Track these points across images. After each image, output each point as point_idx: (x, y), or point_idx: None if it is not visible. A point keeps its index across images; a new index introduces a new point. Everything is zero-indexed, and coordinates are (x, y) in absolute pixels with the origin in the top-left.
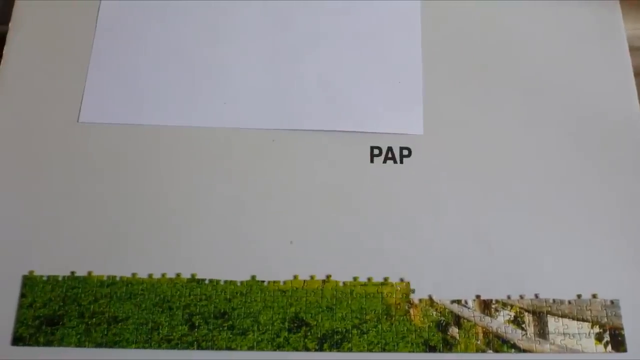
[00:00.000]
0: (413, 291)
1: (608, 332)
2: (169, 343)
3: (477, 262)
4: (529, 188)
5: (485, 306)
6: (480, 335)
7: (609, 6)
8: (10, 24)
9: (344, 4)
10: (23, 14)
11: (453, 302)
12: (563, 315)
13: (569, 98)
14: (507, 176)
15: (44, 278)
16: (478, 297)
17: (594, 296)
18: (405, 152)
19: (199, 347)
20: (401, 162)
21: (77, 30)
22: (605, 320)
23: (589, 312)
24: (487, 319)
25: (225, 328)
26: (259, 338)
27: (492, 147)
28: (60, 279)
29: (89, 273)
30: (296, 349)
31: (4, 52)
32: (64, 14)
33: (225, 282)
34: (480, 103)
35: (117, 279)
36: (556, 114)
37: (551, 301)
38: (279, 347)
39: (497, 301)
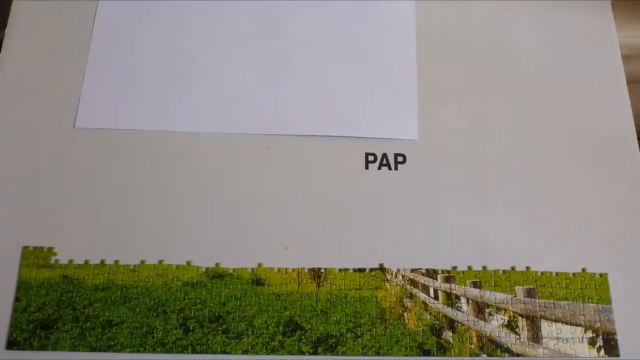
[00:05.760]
0: (409, 295)
1: (601, 337)
2: (164, 347)
3: (473, 266)
4: (523, 193)
5: (479, 310)
6: (474, 339)
7: (602, 14)
8: (6, 30)
9: (339, 10)
10: (20, 20)
11: (447, 305)
12: (556, 320)
13: (562, 105)
14: (501, 181)
15: (39, 282)
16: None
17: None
18: (400, 159)
19: (194, 351)
20: (396, 168)
21: (73, 36)
22: (599, 324)
23: (582, 316)
24: (481, 323)
25: (220, 332)
26: (254, 342)
27: (486, 153)
28: (54, 283)
29: (84, 277)
30: (291, 353)
31: (0, 58)
32: (61, 20)
33: (220, 286)
34: (475, 109)
35: (112, 283)
36: (550, 120)
37: (544, 304)
38: (273, 351)
39: (491, 305)
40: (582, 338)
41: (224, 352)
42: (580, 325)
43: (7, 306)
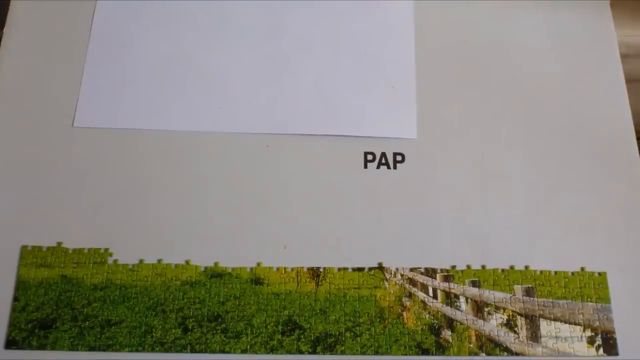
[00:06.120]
0: (408, 295)
1: (600, 336)
2: (163, 346)
3: (472, 265)
4: (522, 192)
5: (478, 309)
6: (473, 339)
7: (600, 13)
8: (5, 29)
9: (338, 9)
10: (18, 19)
11: (446, 304)
12: (555, 319)
13: (561, 104)
14: (500, 180)
15: (37, 282)
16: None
17: (587, 300)
18: (398, 158)
19: (193, 351)
20: (394, 167)
21: (72, 35)
22: (597, 323)
23: (581, 315)
24: (480, 322)
25: (219, 331)
26: (253, 341)
27: (485, 152)
28: (52, 282)
29: (83, 277)
30: (289, 352)
31: None
32: (59, 20)
33: (219, 285)
34: (473, 108)
35: (111, 282)
36: (549, 119)
37: (543, 303)
38: (272, 350)
39: (490, 304)
40: (581, 337)
41: (222, 351)
42: (579, 324)
43: (6, 306)
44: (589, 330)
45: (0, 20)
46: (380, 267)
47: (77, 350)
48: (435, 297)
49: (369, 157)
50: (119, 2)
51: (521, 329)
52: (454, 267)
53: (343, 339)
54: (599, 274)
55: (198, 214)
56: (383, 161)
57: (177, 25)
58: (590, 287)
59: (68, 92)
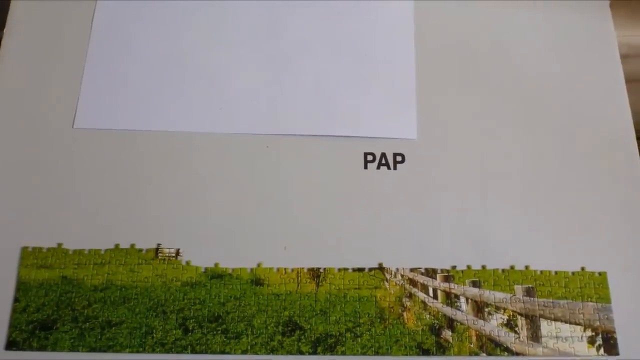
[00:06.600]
0: (409, 295)
1: (600, 336)
2: (163, 347)
3: (472, 265)
4: (522, 192)
5: (479, 309)
6: (474, 339)
7: (600, 14)
8: (5, 30)
9: (337, 10)
10: (18, 20)
11: (447, 304)
12: (556, 319)
13: (561, 104)
14: (500, 180)
15: (38, 283)
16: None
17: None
18: (398, 158)
19: (193, 351)
20: (394, 168)
21: (72, 36)
22: (598, 323)
23: (582, 315)
24: (481, 322)
25: (219, 332)
26: (253, 342)
27: (485, 152)
28: (53, 284)
29: (83, 278)
30: (290, 353)
31: None
32: (59, 20)
33: (219, 286)
34: (473, 108)
35: (111, 283)
36: (549, 119)
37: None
38: (272, 351)
39: (490, 304)
40: (582, 337)
41: (223, 352)
42: (579, 324)
43: (6, 307)
44: (590, 330)
45: (0, 21)
46: (381, 268)
47: (78, 351)
48: (435, 297)
49: (369, 157)
50: (120, 3)
51: (522, 329)
52: (454, 267)
53: (343, 339)
54: (599, 273)
55: (198, 215)
56: (383, 162)
57: (177, 26)
58: (590, 287)
59: (68, 93)
